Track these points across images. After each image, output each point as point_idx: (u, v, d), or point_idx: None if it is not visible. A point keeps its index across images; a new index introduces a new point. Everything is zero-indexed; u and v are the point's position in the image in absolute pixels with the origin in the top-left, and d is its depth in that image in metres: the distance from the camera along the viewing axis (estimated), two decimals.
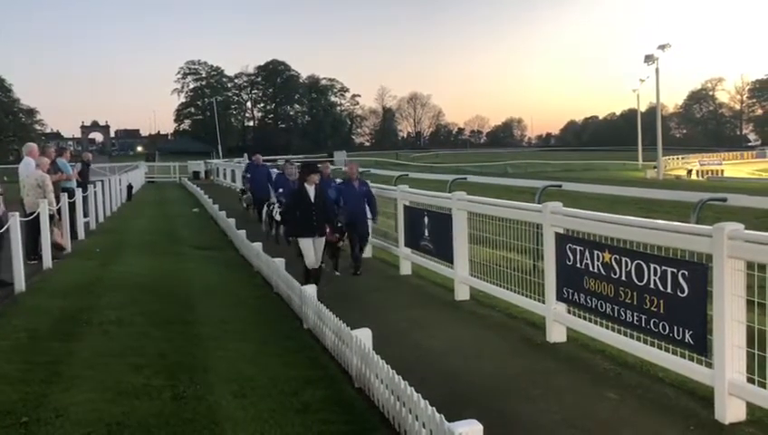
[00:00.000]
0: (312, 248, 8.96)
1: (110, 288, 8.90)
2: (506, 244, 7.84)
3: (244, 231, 12.55)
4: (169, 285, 9.48)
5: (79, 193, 14.64)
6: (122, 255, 12.27)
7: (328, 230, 9.29)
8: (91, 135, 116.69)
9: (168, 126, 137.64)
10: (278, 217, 13.15)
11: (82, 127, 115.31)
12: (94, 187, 17.36)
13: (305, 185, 8.93)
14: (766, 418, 4.52)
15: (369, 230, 11.24)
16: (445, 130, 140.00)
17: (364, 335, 5.41)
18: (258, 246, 10.61)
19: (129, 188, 28.09)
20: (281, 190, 13.36)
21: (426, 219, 9.72)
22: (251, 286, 9.69)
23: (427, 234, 9.69)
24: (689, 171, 54.80)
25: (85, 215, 15.38)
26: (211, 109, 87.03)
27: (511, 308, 7.73)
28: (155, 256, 12.12)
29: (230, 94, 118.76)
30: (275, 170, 17.29)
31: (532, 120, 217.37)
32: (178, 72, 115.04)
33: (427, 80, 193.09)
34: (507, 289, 7.69)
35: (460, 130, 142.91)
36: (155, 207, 24.94)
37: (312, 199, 8.87)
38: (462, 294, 8.63)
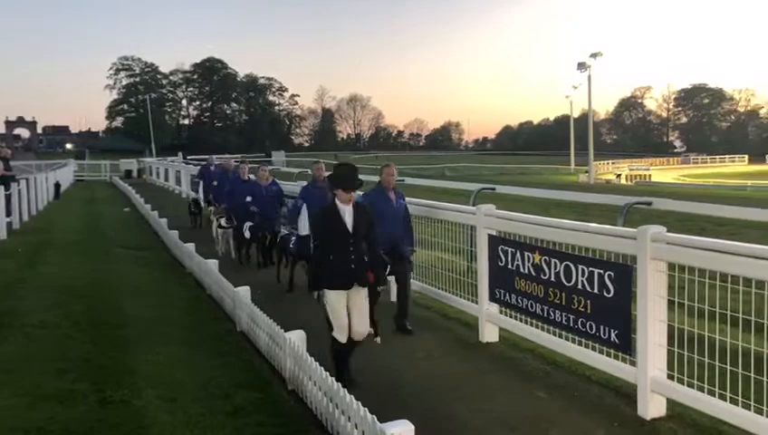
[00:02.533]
0: (344, 308, 5.48)
1: (32, 290, 8.55)
2: (442, 245, 7.93)
3: (177, 232, 12.27)
4: (97, 287, 9.17)
5: (0, 190, 14.02)
6: (47, 255, 11.81)
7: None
8: (17, 131, 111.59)
9: (99, 123, 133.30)
10: (247, 234, 11.20)
11: (6, 122, 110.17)
12: (18, 184, 16.63)
13: (337, 204, 5.56)
14: (685, 413, 4.70)
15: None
16: (384, 133, 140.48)
17: (298, 337, 5.37)
18: (191, 246, 10.39)
19: (57, 186, 27.04)
20: (249, 199, 11.10)
21: None
22: (183, 288, 9.47)
23: None
24: (618, 175, 56.63)
25: (8, 214, 14.73)
26: (145, 106, 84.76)
27: (446, 309, 7.80)
28: (82, 257, 11.71)
29: (165, 91, 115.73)
30: (213, 167, 16.45)
31: (469, 125, 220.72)
32: (111, 68, 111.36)
33: (368, 82, 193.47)
34: (442, 290, 7.78)
35: (400, 133, 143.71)
36: (84, 205, 24.11)
37: (351, 228, 5.50)
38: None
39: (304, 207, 9.05)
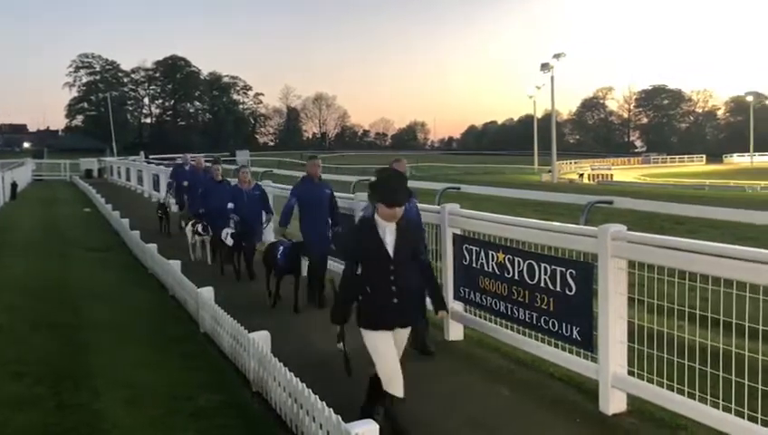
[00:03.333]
0: (392, 350, 4.43)
1: None
2: None
3: (138, 232, 12.06)
4: (56, 289, 8.97)
5: None
6: (3, 256, 11.50)
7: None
8: None
9: (58, 122, 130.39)
10: (229, 241, 10.09)
11: None
12: None
13: (378, 221, 4.40)
14: (645, 408, 4.79)
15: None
16: (350, 132, 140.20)
17: (262, 338, 5.33)
18: (153, 247, 10.23)
19: (14, 186, 26.37)
20: (231, 206, 10.00)
21: None
22: (145, 289, 9.32)
23: None
24: (581, 175, 57.46)
25: None
26: (105, 104, 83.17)
27: None
28: (40, 258, 11.44)
29: (126, 90, 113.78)
30: (188, 167, 15.27)
31: (435, 124, 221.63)
32: (70, 66, 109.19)
33: (333, 81, 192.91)
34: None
35: (365, 132, 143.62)
36: (42, 205, 23.54)
37: (392, 251, 4.38)
38: None
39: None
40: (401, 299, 4.34)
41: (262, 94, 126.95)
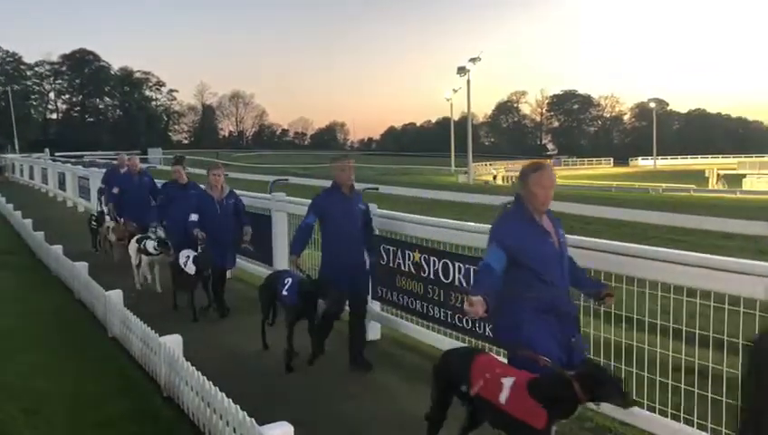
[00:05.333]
0: None
1: None
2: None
3: (42, 233, 11.47)
4: None
5: None
6: None
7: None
8: None
9: None
10: (191, 268, 7.61)
11: None
12: None
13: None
14: None
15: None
16: (268, 131, 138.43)
17: (173, 342, 5.18)
18: (58, 248, 9.75)
19: None
20: (194, 218, 7.67)
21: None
22: (49, 293, 8.87)
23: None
24: (494, 177, 58.93)
25: None
26: (6, 99, 78.75)
27: None
28: None
29: (29, 84, 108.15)
30: (124, 169, 11.69)
31: (354, 125, 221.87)
32: None
33: (250, 78, 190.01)
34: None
35: (284, 132, 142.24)
36: None
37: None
38: None
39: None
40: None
41: (176, 91, 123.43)
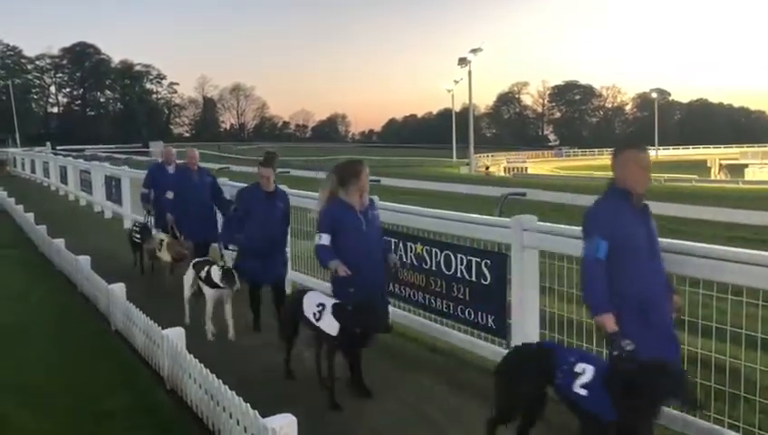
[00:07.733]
0: None
1: None
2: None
3: (45, 226, 11.48)
4: None
5: None
6: None
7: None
8: None
9: None
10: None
11: None
12: None
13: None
14: None
15: None
16: (269, 123, 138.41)
17: (176, 335, 5.19)
18: (60, 242, 9.76)
19: None
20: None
21: None
22: (51, 287, 8.88)
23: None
24: (487, 168, 58.42)
25: None
26: (7, 92, 78.75)
27: None
28: None
29: (30, 77, 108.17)
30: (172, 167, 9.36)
31: (355, 117, 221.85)
32: None
33: (251, 71, 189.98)
34: (324, 280, 7.76)
35: (285, 124, 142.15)
36: None
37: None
38: None
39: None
40: None
41: (176, 84, 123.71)
